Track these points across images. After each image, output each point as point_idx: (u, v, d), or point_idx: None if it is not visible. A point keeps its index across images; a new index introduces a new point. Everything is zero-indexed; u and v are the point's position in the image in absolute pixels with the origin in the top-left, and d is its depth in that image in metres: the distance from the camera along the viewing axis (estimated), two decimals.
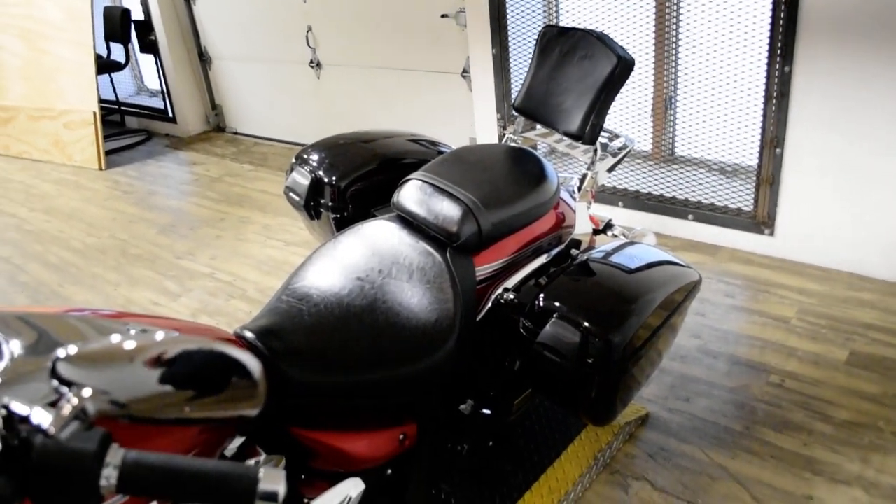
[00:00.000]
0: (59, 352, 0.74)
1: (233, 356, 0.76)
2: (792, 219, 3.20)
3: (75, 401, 0.73)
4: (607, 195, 3.74)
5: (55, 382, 0.74)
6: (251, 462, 1.33)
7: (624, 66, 1.84)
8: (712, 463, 2.21)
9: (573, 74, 1.92)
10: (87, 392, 0.74)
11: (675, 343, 2.73)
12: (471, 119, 4.28)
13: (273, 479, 0.76)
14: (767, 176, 3.17)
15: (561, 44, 1.99)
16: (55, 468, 0.73)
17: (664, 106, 3.53)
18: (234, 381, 0.76)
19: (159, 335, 0.75)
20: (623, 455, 2.28)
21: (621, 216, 3.70)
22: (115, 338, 0.74)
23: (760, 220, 3.29)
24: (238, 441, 1.34)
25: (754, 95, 3.16)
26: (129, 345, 0.74)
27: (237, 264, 3.80)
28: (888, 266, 3.01)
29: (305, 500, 1.37)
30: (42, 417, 0.73)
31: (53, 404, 0.74)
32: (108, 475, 0.75)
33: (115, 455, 0.76)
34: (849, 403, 2.39)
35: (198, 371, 0.76)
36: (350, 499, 1.44)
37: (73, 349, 0.74)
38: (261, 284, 3.56)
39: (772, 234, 3.28)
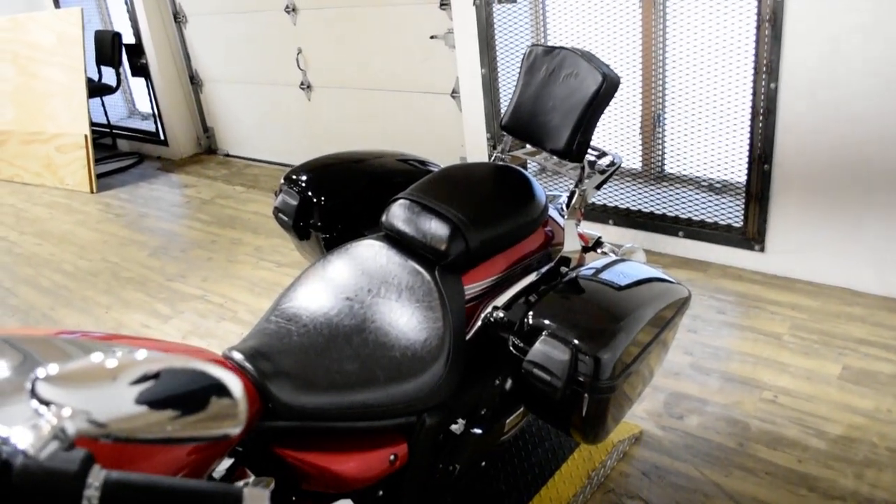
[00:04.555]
0: (38, 371, 0.73)
1: (213, 374, 0.75)
2: (782, 235, 3.21)
3: (54, 420, 0.73)
4: (598, 213, 3.75)
5: (34, 402, 0.74)
6: (239, 484, 1.32)
7: (609, 84, 1.84)
8: (706, 480, 2.20)
9: (559, 93, 1.92)
10: (66, 412, 0.73)
11: (667, 360, 2.73)
12: (461, 139, 4.30)
13: (257, 500, 0.76)
14: (756, 192, 3.19)
15: (546, 62, 2.00)
16: (36, 489, 0.73)
17: (652, 123, 3.55)
18: (215, 400, 0.76)
19: (140, 354, 0.74)
20: (617, 474, 2.27)
21: (612, 234, 3.70)
22: (96, 357, 0.74)
23: (750, 236, 3.30)
24: (227, 463, 1.33)
25: (742, 112, 3.18)
26: (110, 363, 0.74)
27: (228, 286, 3.79)
28: (879, 281, 3.02)
29: None
30: (22, 438, 0.72)
31: (34, 426, 0.73)
32: (90, 496, 0.75)
33: (97, 475, 0.76)
34: (842, 419, 2.39)
35: (179, 389, 0.76)
36: None
37: (53, 369, 0.73)
38: (252, 306, 3.55)
39: (762, 249, 3.29)
